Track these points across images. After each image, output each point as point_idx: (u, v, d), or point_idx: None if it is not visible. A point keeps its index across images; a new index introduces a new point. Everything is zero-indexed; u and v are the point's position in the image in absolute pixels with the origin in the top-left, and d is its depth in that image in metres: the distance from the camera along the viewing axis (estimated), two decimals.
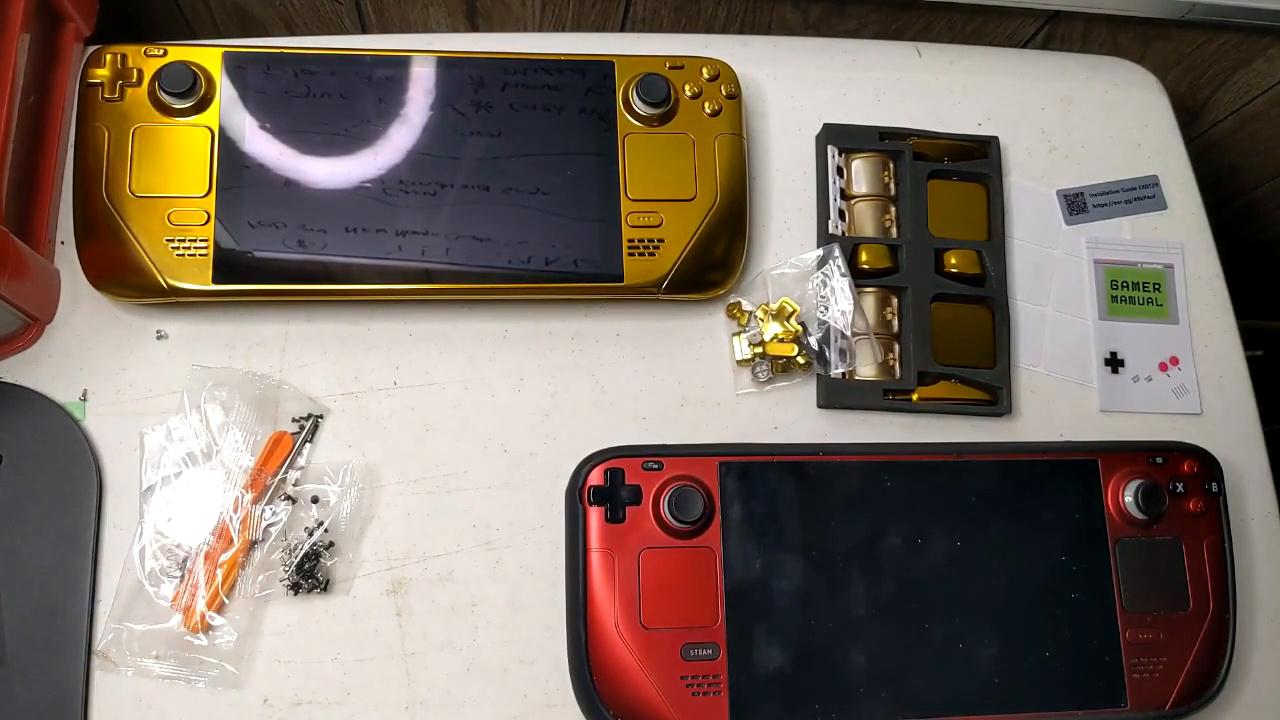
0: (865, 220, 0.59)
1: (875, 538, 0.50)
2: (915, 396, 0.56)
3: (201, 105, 0.51)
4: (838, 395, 0.56)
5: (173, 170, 0.50)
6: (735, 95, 0.57)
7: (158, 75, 0.51)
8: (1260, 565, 0.57)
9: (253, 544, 0.49)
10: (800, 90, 0.62)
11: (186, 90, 0.51)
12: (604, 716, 0.46)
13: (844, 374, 0.56)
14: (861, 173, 0.60)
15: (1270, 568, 0.57)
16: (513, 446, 0.53)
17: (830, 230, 0.58)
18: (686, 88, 0.56)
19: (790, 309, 0.56)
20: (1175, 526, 0.52)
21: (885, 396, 0.56)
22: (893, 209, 0.60)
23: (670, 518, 0.48)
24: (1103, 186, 0.63)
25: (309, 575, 0.49)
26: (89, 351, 0.52)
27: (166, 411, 0.51)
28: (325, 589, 0.49)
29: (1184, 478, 0.53)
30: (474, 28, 0.67)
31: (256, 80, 0.52)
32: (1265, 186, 0.88)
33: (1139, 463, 0.53)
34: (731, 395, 0.56)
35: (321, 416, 0.52)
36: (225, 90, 0.52)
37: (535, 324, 0.56)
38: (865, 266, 0.58)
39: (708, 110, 0.56)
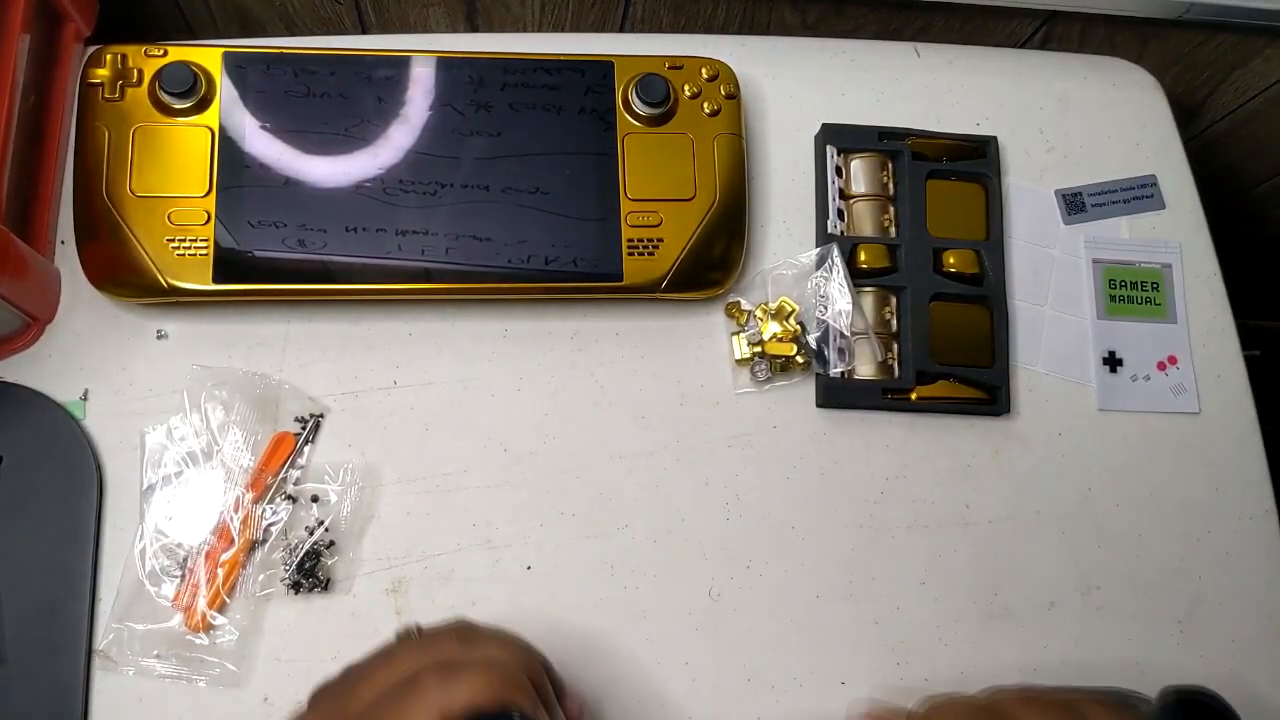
0: (864, 220, 0.59)
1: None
2: (914, 396, 0.56)
3: (202, 105, 0.51)
4: (836, 395, 0.56)
5: (173, 170, 0.50)
6: (734, 95, 0.57)
7: (158, 75, 0.51)
8: (1259, 565, 0.57)
9: (253, 543, 0.49)
10: (799, 90, 0.63)
11: (187, 90, 0.51)
12: None
13: (843, 373, 0.56)
14: (860, 172, 0.60)
15: (1269, 567, 0.57)
16: (512, 446, 0.53)
17: (829, 230, 0.58)
18: (686, 88, 0.56)
19: (789, 308, 0.56)
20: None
21: (884, 396, 0.56)
22: (891, 209, 0.60)
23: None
24: (1101, 186, 0.63)
25: (309, 574, 0.49)
26: (89, 351, 0.52)
27: (167, 411, 0.51)
28: (326, 588, 0.49)
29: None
30: (473, 28, 0.67)
31: (256, 80, 0.52)
32: (1263, 186, 0.88)
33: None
34: (730, 394, 0.56)
35: (322, 416, 0.52)
36: (225, 90, 0.52)
37: (535, 323, 0.56)
38: (864, 266, 0.58)
39: (707, 110, 0.56)
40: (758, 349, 0.56)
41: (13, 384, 0.51)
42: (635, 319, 0.56)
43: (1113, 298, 0.61)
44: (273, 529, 0.49)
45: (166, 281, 0.49)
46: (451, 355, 0.55)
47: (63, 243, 0.53)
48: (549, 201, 0.53)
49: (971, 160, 0.61)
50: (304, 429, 0.51)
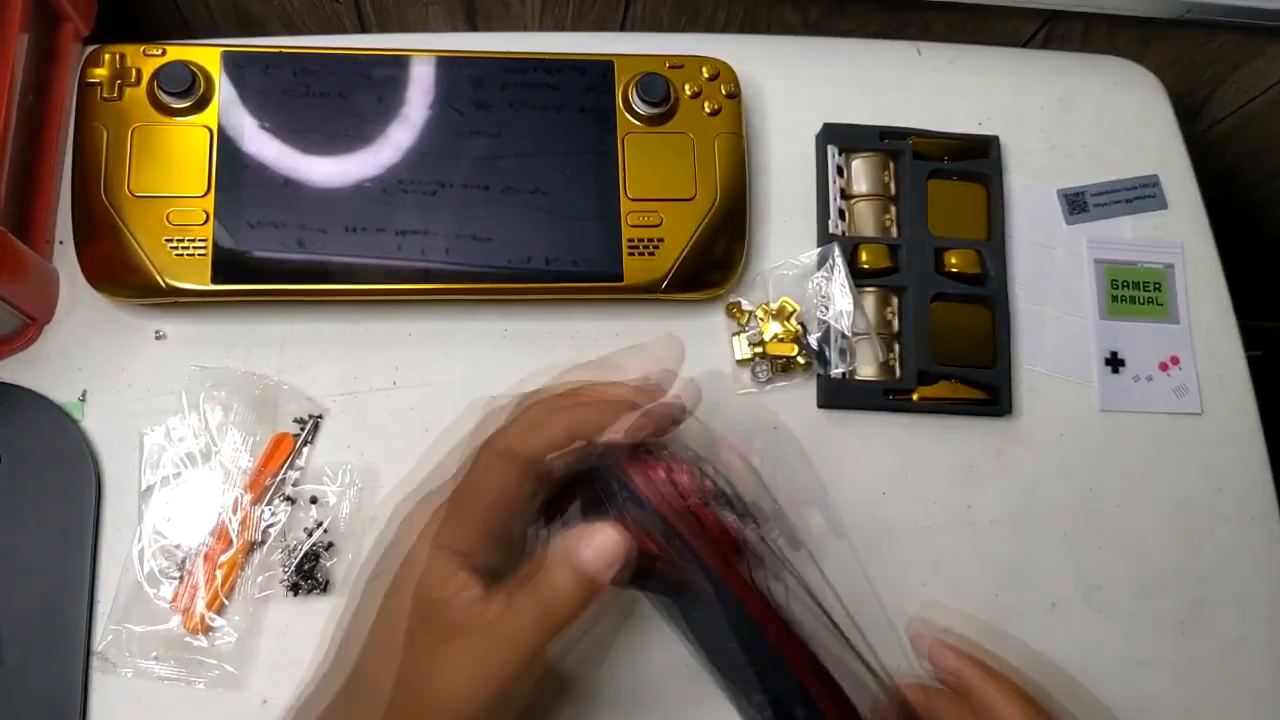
0: (865, 220, 0.59)
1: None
2: (915, 396, 0.56)
3: (200, 105, 0.51)
4: (837, 395, 0.56)
5: (171, 170, 0.50)
6: (735, 95, 0.57)
7: (156, 75, 0.51)
8: (1260, 565, 0.57)
9: (252, 545, 0.49)
10: (800, 90, 0.62)
11: (185, 90, 0.51)
12: None
13: (844, 374, 0.56)
14: (861, 172, 0.60)
15: (1271, 568, 0.57)
16: None
17: (830, 230, 0.58)
18: (686, 87, 0.56)
19: (790, 309, 0.56)
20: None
21: (885, 396, 0.56)
22: (893, 208, 0.60)
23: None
24: (1103, 186, 0.63)
25: (308, 576, 0.49)
26: (88, 352, 0.52)
27: (165, 412, 0.51)
28: (325, 589, 0.49)
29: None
30: (473, 27, 0.67)
31: (255, 80, 0.52)
32: (1266, 186, 0.88)
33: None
34: (731, 395, 0.56)
35: (321, 417, 0.52)
36: (224, 90, 0.52)
37: (535, 324, 0.55)
38: (865, 266, 0.58)
39: (707, 110, 0.56)
40: (759, 349, 0.56)
41: (11, 384, 0.50)
42: (635, 319, 0.56)
43: (1115, 298, 0.61)
44: (271, 530, 0.49)
45: (165, 282, 0.49)
46: (451, 356, 0.54)
47: (61, 243, 0.53)
48: (549, 201, 0.53)
49: (973, 160, 0.61)
50: (303, 430, 0.51)
